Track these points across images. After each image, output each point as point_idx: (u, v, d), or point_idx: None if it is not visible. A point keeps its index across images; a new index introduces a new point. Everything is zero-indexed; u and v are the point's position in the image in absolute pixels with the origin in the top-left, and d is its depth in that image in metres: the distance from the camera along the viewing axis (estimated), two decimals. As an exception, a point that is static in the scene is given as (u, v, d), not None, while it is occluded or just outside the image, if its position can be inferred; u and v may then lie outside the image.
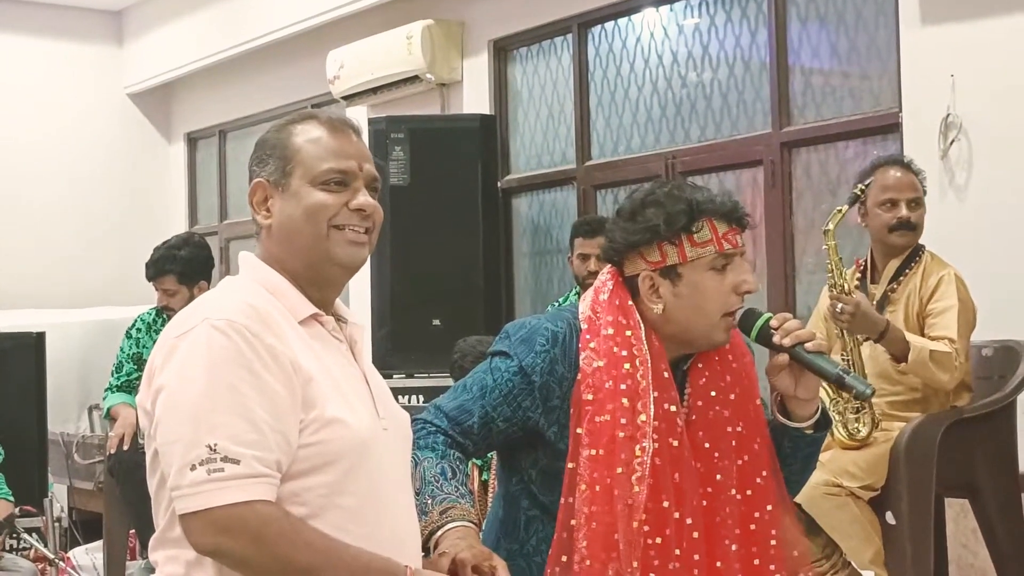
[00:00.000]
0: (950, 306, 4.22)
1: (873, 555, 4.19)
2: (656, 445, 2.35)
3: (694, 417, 2.44)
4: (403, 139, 6.79)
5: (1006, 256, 5.03)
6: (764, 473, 2.45)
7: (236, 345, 1.98)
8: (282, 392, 1.99)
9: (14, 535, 5.19)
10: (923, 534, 4.18)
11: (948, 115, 5.18)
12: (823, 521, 4.22)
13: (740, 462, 2.44)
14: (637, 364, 2.39)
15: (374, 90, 7.91)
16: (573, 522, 2.36)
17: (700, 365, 2.49)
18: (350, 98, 8.13)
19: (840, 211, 4.29)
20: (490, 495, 3.89)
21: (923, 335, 4.25)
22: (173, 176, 10.79)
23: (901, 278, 4.37)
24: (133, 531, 6.12)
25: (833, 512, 4.18)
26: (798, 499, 4.18)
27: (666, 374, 2.41)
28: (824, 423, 2.50)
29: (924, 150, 5.24)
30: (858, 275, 4.39)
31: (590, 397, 2.39)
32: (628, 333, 2.41)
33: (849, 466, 4.19)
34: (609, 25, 7.05)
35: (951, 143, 5.19)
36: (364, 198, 2.14)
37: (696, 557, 2.37)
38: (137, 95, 10.63)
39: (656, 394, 2.38)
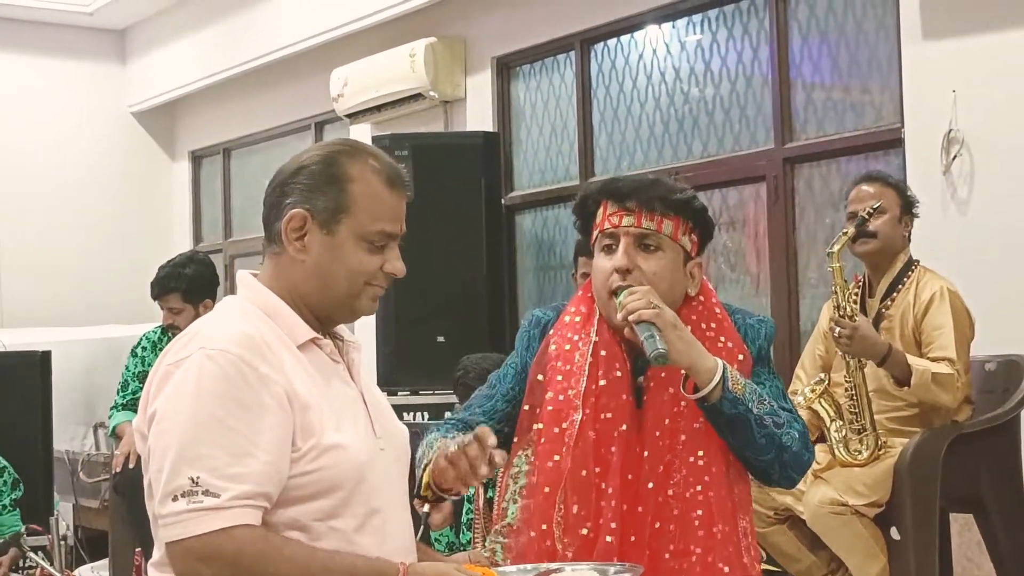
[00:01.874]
0: (945, 324, 4.22)
1: (878, 572, 4.19)
2: (584, 416, 2.49)
3: (645, 398, 2.52)
4: (407, 156, 6.80)
5: (1008, 270, 5.04)
6: (700, 453, 2.48)
7: (228, 376, 2.01)
8: (272, 423, 2.01)
9: (20, 554, 5.20)
10: (927, 548, 4.18)
11: (950, 130, 5.19)
12: (828, 539, 4.23)
13: (682, 439, 2.48)
14: (580, 346, 2.56)
15: (378, 108, 7.94)
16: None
17: None
18: (354, 116, 8.16)
19: (846, 233, 4.29)
20: (496, 513, 3.89)
21: (919, 352, 4.25)
22: (177, 194, 10.82)
23: (894, 294, 4.37)
24: (139, 549, 6.12)
25: (838, 530, 4.19)
26: (805, 516, 4.20)
27: (603, 352, 2.53)
28: (724, 394, 2.43)
29: (926, 165, 5.26)
30: (856, 291, 4.39)
31: (541, 378, 2.58)
32: (578, 319, 2.61)
33: (855, 484, 4.20)
34: (612, 42, 7.08)
35: (953, 158, 5.20)
36: (399, 263, 2.18)
37: (613, 525, 2.44)
38: (141, 113, 10.67)
39: (591, 370, 2.52)
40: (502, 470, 3.86)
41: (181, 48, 10.02)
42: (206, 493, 1.95)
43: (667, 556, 2.44)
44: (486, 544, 3.74)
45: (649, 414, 2.50)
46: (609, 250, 2.56)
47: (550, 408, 2.53)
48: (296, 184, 2.15)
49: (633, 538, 2.44)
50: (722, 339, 2.55)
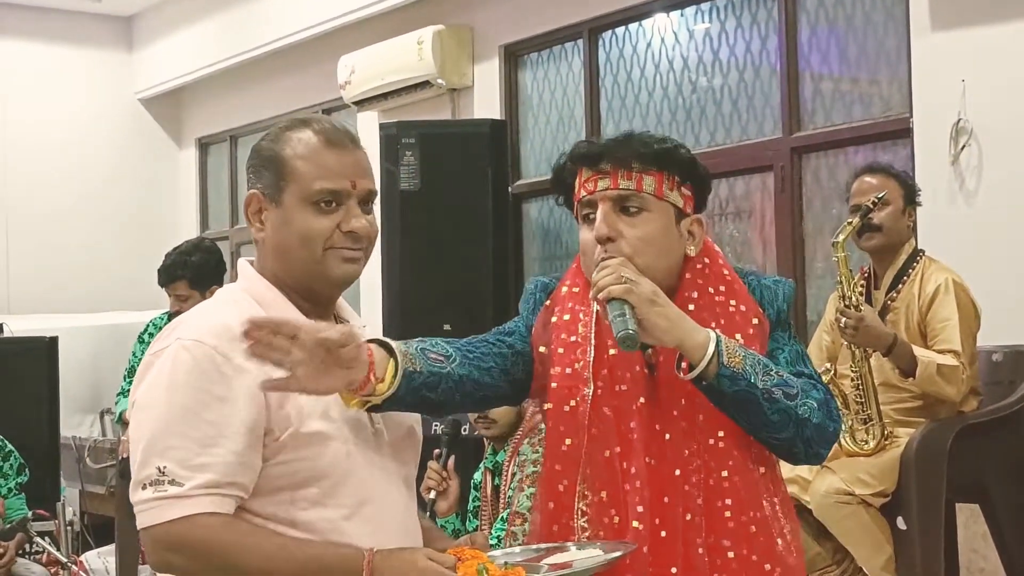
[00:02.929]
0: (950, 316, 4.22)
1: (884, 562, 4.20)
2: (597, 390, 2.25)
3: (657, 373, 2.27)
4: (413, 144, 6.80)
5: (1016, 261, 5.03)
6: (721, 434, 2.23)
7: (200, 367, 2.03)
8: (244, 415, 2.02)
9: (27, 539, 5.22)
10: (933, 539, 4.19)
11: (959, 120, 5.18)
12: (834, 529, 4.23)
13: (700, 419, 2.23)
14: (581, 316, 2.32)
15: (385, 95, 7.93)
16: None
17: (691, 307, 2.28)
18: (361, 103, 8.16)
19: (851, 224, 4.29)
20: (502, 501, 3.89)
21: (925, 344, 4.25)
22: (184, 181, 10.83)
23: (900, 286, 4.37)
24: (145, 535, 6.13)
25: (844, 520, 4.19)
26: (811, 506, 4.20)
27: (607, 320, 2.22)
28: (720, 371, 2.16)
29: (935, 155, 5.25)
30: (862, 283, 4.40)
31: (543, 350, 2.34)
32: (576, 290, 2.36)
33: (861, 474, 4.20)
34: (620, 30, 7.07)
35: (962, 148, 5.19)
36: (357, 222, 2.13)
37: (640, 509, 2.21)
38: (148, 100, 10.67)
39: (597, 340, 2.28)
40: (508, 457, 3.88)
41: (188, 35, 10.02)
42: (171, 482, 1.99)
43: (700, 551, 2.20)
44: (492, 532, 3.75)
45: (665, 392, 2.24)
46: (588, 220, 2.28)
47: (554, 385, 2.29)
48: (250, 169, 2.19)
49: (664, 533, 2.20)
50: (733, 303, 2.30)
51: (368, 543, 2.05)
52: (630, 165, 2.25)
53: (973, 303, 4.32)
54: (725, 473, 2.22)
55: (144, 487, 2.01)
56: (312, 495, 2.06)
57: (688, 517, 2.21)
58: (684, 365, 2.20)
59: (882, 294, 4.40)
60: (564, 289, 2.38)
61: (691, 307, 2.26)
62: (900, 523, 4.19)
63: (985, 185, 5.17)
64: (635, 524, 2.19)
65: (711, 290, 2.30)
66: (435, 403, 2.23)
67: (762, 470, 2.27)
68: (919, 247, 4.50)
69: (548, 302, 2.39)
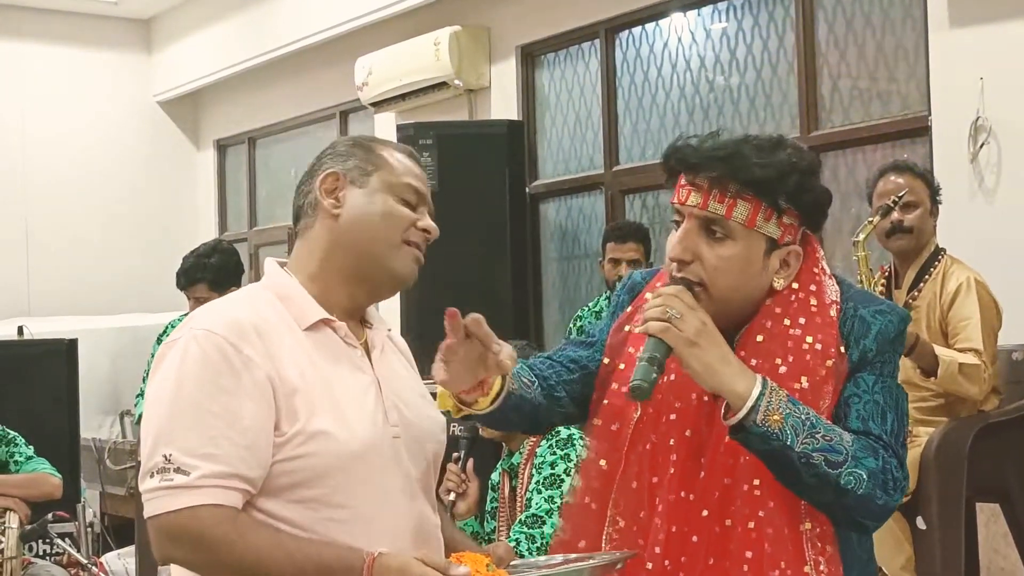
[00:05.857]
0: (971, 315, 4.21)
1: (904, 562, 4.19)
2: (645, 416, 2.14)
3: (719, 402, 2.09)
4: (431, 145, 6.81)
5: (1036, 259, 5.01)
6: (756, 482, 2.06)
7: (209, 358, 2.02)
8: (252, 407, 2.01)
9: (47, 540, 5.23)
10: (954, 539, 4.17)
11: (977, 118, 5.16)
12: (853, 528, 4.21)
13: (742, 460, 2.07)
14: None
15: (402, 96, 7.95)
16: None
17: (759, 338, 2.12)
18: (378, 105, 8.17)
19: (871, 223, 4.28)
20: (519, 503, 3.89)
21: (946, 343, 4.24)
22: (202, 183, 10.86)
23: (921, 285, 4.36)
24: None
25: (863, 519, 4.17)
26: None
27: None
28: (751, 428, 2.00)
29: (953, 154, 5.23)
30: (882, 282, 4.38)
31: (607, 361, 2.25)
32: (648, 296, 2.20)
33: (879, 473, 4.18)
34: (636, 30, 7.06)
35: (980, 146, 5.17)
36: (430, 221, 2.20)
37: (657, 550, 2.09)
38: (166, 103, 10.70)
39: None
40: (524, 459, 3.88)
41: (206, 37, 10.05)
42: (177, 471, 1.97)
43: None
44: (511, 534, 3.75)
45: (719, 426, 2.07)
46: (678, 227, 2.13)
47: (606, 402, 2.20)
48: (326, 157, 2.22)
49: (681, 575, 2.08)
50: (809, 339, 2.09)
51: (382, 542, 2.02)
52: (726, 186, 2.07)
53: (994, 301, 4.31)
54: (751, 524, 2.05)
55: (152, 475, 1.99)
56: (314, 495, 2.04)
57: (711, 562, 2.07)
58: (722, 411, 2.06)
59: (903, 293, 4.38)
60: (649, 295, 2.19)
61: (759, 338, 2.11)
62: (920, 523, 4.17)
63: (1004, 183, 5.15)
64: (648, 565, 2.09)
65: (787, 322, 2.11)
66: (511, 423, 2.25)
67: (808, 525, 2.08)
68: (939, 246, 4.48)
69: (630, 308, 2.26)
